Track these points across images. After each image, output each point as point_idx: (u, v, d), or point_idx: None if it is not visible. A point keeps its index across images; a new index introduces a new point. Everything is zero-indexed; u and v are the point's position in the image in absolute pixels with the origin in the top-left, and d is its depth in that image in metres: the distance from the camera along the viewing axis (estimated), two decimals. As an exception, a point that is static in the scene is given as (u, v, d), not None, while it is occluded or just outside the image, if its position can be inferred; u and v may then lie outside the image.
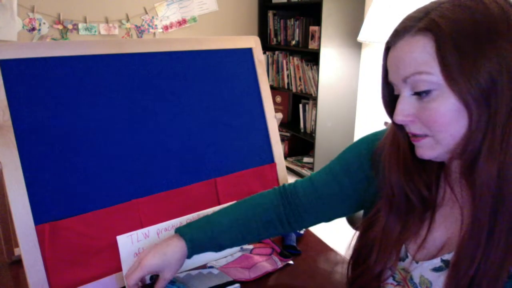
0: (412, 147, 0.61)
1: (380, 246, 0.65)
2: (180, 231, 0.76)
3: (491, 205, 0.52)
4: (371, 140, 0.73)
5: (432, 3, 0.55)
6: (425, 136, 0.56)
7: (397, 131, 0.63)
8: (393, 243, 0.64)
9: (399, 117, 0.56)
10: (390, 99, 0.62)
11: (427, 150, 0.57)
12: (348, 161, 0.75)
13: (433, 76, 0.52)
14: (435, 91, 0.52)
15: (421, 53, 0.52)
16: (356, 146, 0.76)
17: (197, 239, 0.75)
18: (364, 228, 0.70)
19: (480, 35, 0.49)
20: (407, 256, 0.65)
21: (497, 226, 0.51)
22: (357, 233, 0.73)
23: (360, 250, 0.70)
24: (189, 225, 0.77)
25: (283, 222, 0.78)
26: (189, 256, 0.75)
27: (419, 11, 0.55)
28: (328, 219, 0.78)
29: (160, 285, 0.73)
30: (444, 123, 0.53)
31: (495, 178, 0.51)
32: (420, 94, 0.54)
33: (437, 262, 0.60)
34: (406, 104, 0.56)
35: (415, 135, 0.57)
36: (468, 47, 0.50)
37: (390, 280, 0.67)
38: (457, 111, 0.52)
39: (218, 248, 0.77)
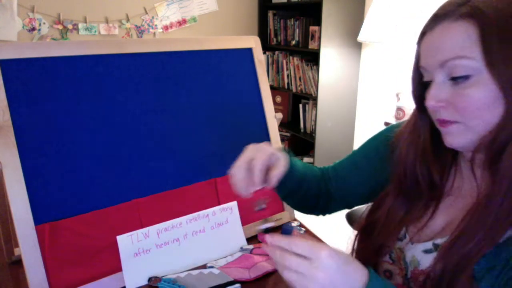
0: (433, 136, 0.62)
1: (383, 225, 0.68)
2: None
3: (503, 192, 0.52)
4: (390, 131, 0.75)
5: None
6: (456, 122, 0.56)
7: (421, 118, 0.64)
8: (396, 224, 0.67)
9: (432, 102, 0.56)
10: (419, 86, 0.62)
11: (456, 137, 0.57)
12: (368, 148, 0.80)
13: (474, 61, 0.52)
14: (474, 76, 0.52)
15: (463, 38, 0.52)
16: (376, 136, 0.80)
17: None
18: (371, 210, 0.73)
19: None
20: (405, 237, 0.67)
21: (500, 211, 0.52)
22: (358, 234, 0.75)
23: (365, 228, 0.73)
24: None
25: (318, 199, 0.82)
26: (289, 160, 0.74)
27: None
28: (349, 206, 0.83)
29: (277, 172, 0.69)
30: (479, 109, 0.53)
31: None
32: (456, 80, 0.54)
33: (428, 245, 0.63)
34: (439, 89, 0.56)
35: (444, 122, 0.57)
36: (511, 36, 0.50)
37: (387, 258, 0.70)
38: (494, 98, 0.52)
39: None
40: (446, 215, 0.64)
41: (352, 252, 0.75)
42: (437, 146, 0.63)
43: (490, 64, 0.51)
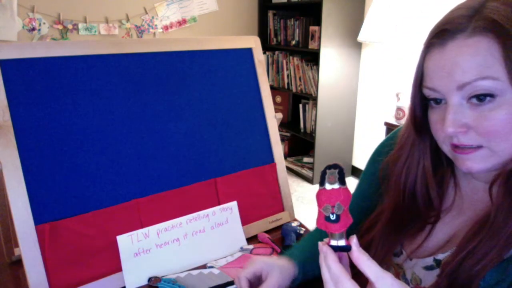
0: (433, 160, 0.60)
1: (376, 249, 0.65)
2: (290, 255, 0.73)
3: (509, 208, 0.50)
4: (384, 146, 0.73)
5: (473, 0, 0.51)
6: (478, 147, 0.51)
7: (418, 144, 0.60)
8: (389, 247, 0.65)
9: (451, 129, 0.51)
10: (422, 107, 0.57)
11: (479, 163, 0.52)
12: (368, 175, 0.76)
13: (498, 81, 0.47)
14: (499, 97, 0.48)
15: (486, 56, 0.47)
16: (372, 157, 0.76)
17: (305, 261, 0.72)
18: (365, 229, 0.70)
19: None
20: (401, 253, 0.66)
21: (508, 227, 0.51)
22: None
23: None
24: (298, 248, 0.76)
25: None
26: (297, 276, 0.70)
27: (464, 8, 0.51)
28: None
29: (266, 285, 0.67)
30: (506, 132, 0.49)
31: None
32: (479, 102, 0.49)
33: (429, 260, 0.61)
34: (459, 114, 0.51)
35: (463, 147, 0.52)
36: None
37: None
38: None
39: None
40: (446, 230, 0.62)
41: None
42: (434, 164, 0.61)
43: None
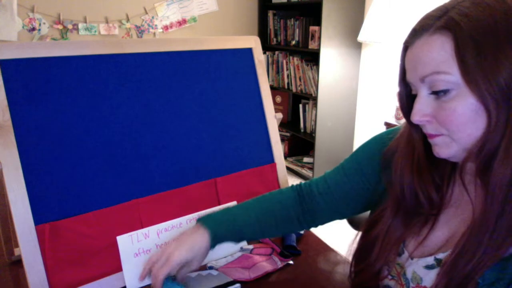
0: (427, 148, 0.61)
1: (381, 244, 0.66)
2: (204, 223, 0.78)
3: (499, 205, 0.51)
4: (383, 138, 0.73)
5: (451, 1, 0.54)
6: (441, 134, 0.56)
7: (413, 131, 0.63)
8: (394, 241, 0.65)
9: (416, 117, 0.56)
10: (407, 99, 0.62)
11: (443, 148, 0.56)
12: (360, 160, 0.76)
13: (452, 76, 0.51)
14: (454, 90, 0.52)
15: (440, 52, 0.52)
16: (368, 144, 0.77)
17: (220, 233, 0.77)
18: (368, 226, 0.71)
19: (500, 35, 0.49)
20: (403, 252, 0.66)
21: (499, 226, 0.51)
22: (359, 233, 0.74)
23: (362, 247, 0.71)
24: (212, 217, 0.79)
25: (300, 220, 0.81)
26: (211, 247, 0.77)
27: (438, 9, 0.54)
28: (342, 217, 0.81)
29: (184, 273, 0.76)
30: (461, 123, 0.52)
31: (508, 179, 0.50)
32: (437, 94, 0.54)
33: (430, 260, 0.61)
34: (423, 104, 0.56)
35: (431, 135, 0.57)
36: (487, 47, 0.49)
37: (386, 274, 0.68)
38: (475, 111, 0.51)
39: (238, 240, 0.81)
40: (447, 228, 0.62)
41: (349, 278, 0.74)
42: (433, 158, 0.62)
43: (467, 78, 0.50)
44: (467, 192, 0.59)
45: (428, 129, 0.57)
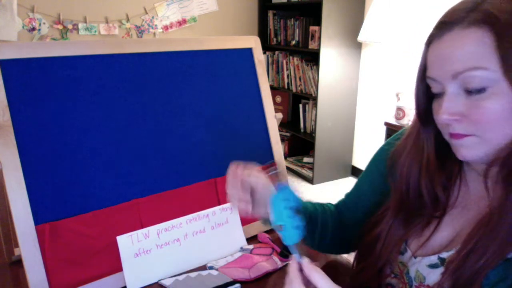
0: (437, 150, 0.60)
1: (383, 243, 0.66)
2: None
3: None
4: (390, 144, 0.72)
5: None
6: (470, 135, 0.53)
7: (424, 131, 0.61)
8: (396, 241, 0.65)
9: (445, 116, 0.53)
10: (424, 98, 0.59)
11: (471, 150, 0.54)
12: (370, 172, 0.76)
13: (490, 71, 0.49)
14: (491, 88, 0.49)
15: (477, 47, 0.49)
16: (376, 155, 0.76)
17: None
18: (370, 226, 0.70)
19: None
20: (406, 251, 0.66)
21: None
22: (358, 252, 0.74)
23: (364, 246, 0.71)
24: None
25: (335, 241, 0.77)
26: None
27: (466, 2, 0.52)
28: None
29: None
30: (497, 122, 0.50)
31: None
32: (471, 91, 0.51)
33: (434, 259, 0.61)
34: (453, 102, 0.52)
35: (458, 135, 0.54)
36: None
37: (388, 272, 0.68)
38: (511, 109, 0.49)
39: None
40: (452, 228, 0.61)
41: (351, 277, 0.73)
42: (441, 158, 0.61)
43: (508, 73, 0.48)
44: (488, 194, 0.56)
45: (456, 129, 0.54)
